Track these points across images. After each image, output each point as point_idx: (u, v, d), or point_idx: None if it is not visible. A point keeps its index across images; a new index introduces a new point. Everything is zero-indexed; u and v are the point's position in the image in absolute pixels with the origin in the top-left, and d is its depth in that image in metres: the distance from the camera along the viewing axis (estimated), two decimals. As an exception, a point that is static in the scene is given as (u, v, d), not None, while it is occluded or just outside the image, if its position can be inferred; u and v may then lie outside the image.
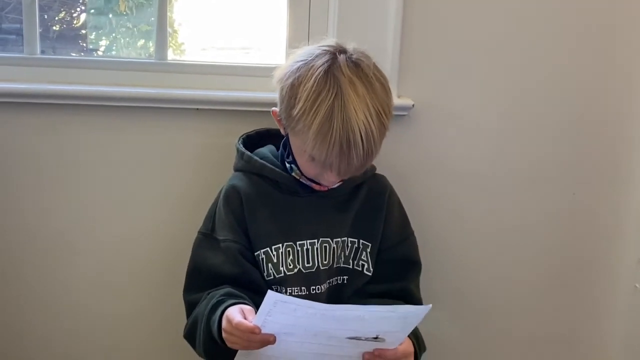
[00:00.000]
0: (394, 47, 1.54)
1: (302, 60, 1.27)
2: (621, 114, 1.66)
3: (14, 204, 1.56)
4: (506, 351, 1.75)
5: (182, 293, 1.36)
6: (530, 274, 1.71)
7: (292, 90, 1.25)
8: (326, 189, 1.34)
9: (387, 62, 1.53)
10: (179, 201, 1.58)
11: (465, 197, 1.65)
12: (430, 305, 1.10)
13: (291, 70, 1.27)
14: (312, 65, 1.24)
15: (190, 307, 1.33)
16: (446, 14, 1.56)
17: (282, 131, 1.35)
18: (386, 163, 1.54)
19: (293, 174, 1.34)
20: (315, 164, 1.27)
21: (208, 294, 1.29)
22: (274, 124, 1.38)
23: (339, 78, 1.22)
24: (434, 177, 1.63)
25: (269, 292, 1.06)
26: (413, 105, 1.56)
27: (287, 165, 1.35)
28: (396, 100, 1.55)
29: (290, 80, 1.26)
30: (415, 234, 1.48)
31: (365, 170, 1.38)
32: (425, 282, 1.46)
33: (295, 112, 1.23)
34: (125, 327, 1.63)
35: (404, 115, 1.57)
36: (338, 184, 1.34)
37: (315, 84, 1.22)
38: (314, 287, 1.35)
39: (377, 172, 1.46)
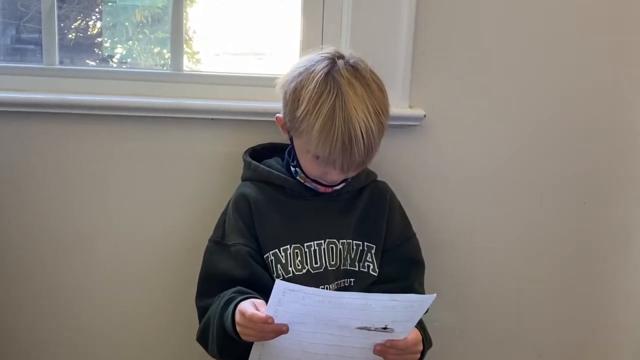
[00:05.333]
0: (406, 57, 1.55)
1: (303, 66, 1.33)
2: (633, 122, 1.66)
3: (33, 208, 1.58)
4: (512, 357, 1.76)
5: (193, 294, 1.39)
6: (541, 283, 1.72)
7: (295, 94, 1.31)
8: (331, 190, 1.38)
9: (399, 73, 1.55)
10: (196, 207, 1.59)
11: (478, 207, 1.66)
12: (435, 294, 1.12)
13: (293, 76, 1.33)
14: (313, 70, 1.31)
15: (202, 312, 1.36)
16: (458, 24, 1.57)
17: (285, 135, 1.39)
18: (399, 172, 1.57)
19: (298, 177, 1.39)
20: (319, 162, 1.31)
21: (219, 296, 1.31)
22: (286, 135, 1.41)
23: (339, 80, 1.29)
24: (446, 186, 1.64)
25: (277, 281, 1.10)
26: (425, 116, 1.57)
27: (293, 169, 1.39)
28: (408, 111, 1.57)
29: (292, 85, 1.32)
30: (429, 241, 1.50)
31: (368, 174, 1.45)
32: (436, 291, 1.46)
33: (298, 114, 1.29)
34: (136, 325, 1.66)
35: (415, 125, 1.58)
36: (341, 185, 1.38)
37: (317, 86, 1.28)
38: (322, 287, 1.38)
39: (387, 180, 1.50)
